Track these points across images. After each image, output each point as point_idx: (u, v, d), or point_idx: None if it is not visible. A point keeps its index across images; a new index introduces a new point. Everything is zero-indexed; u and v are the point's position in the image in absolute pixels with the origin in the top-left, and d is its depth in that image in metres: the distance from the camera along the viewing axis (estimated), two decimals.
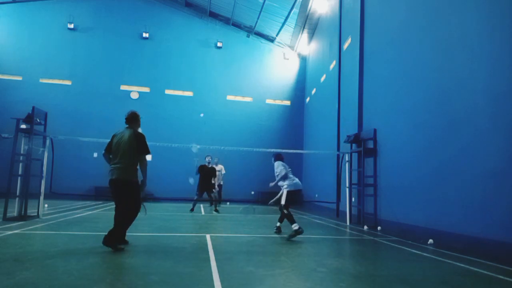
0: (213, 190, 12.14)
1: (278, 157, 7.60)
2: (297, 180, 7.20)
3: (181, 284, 3.29)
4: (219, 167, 14.11)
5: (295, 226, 6.42)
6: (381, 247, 5.98)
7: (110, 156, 5.08)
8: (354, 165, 10.38)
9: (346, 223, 9.37)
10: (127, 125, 5.17)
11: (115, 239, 4.71)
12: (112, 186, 4.88)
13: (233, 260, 4.40)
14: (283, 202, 6.89)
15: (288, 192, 6.99)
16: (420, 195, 7.45)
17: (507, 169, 5.23)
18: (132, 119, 5.18)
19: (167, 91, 19.10)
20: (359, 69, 10.91)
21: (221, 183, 14.62)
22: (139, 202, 4.94)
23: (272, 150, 13.24)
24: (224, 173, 14.70)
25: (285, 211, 6.74)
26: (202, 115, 18.04)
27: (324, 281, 3.54)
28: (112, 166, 4.94)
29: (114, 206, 4.99)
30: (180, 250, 4.98)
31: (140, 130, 5.26)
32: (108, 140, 5.31)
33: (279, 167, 7.25)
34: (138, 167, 5.00)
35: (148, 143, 5.20)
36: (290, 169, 7.37)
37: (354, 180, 10.24)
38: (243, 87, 19.77)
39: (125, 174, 4.84)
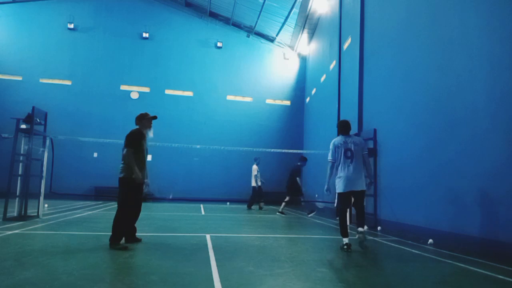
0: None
1: (339, 126, 5.57)
2: (349, 175, 5.26)
3: (181, 284, 3.29)
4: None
5: (344, 240, 5.27)
6: (381, 247, 5.97)
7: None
8: None
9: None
10: (138, 126, 5.46)
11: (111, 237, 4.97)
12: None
13: (233, 260, 4.39)
14: (336, 204, 5.50)
15: (338, 195, 5.50)
16: (420, 195, 7.45)
17: (507, 169, 5.23)
18: (136, 120, 5.46)
19: (167, 91, 19.10)
20: (359, 69, 10.91)
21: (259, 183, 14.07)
22: (120, 199, 5.13)
23: (272, 150, 13.30)
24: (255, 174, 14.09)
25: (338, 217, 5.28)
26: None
27: (324, 281, 3.54)
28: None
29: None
30: (180, 250, 4.98)
31: (147, 131, 5.46)
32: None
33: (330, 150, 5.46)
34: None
35: (148, 143, 5.43)
36: (351, 152, 5.29)
37: None
38: (243, 87, 19.77)
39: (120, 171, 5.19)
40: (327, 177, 5.31)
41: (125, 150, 5.09)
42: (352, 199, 5.47)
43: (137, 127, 5.39)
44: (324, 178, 5.55)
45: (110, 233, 4.95)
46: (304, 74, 20.38)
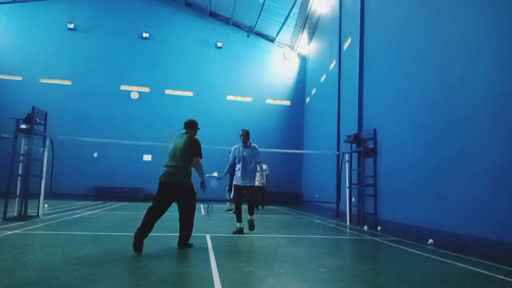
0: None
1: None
2: (241, 173, 6.91)
3: (181, 284, 3.29)
4: (264, 167, 12.81)
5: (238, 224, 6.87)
6: (381, 247, 5.97)
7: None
8: (354, 165, 10.38)
9: (346, 223, 9.37)
10: (184, 130, 5.41)
11: (187, 240, 5.10)
12: (165, 188, 4.98)
13: (233, 260, 4.39)
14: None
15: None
16: (420, 195, 7.45)
17: (507, 169, 5.23)
18: (191, 125, 5.46)
19: (167, 91, 19.11)
20: (359, 69, 10.91)
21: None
22: (193, 205, 5.23)
23: (272, 150, 13.28)
24: (267, 174, 13.45)
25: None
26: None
27: (324, 281, 3.54)
28: (166, 168, 5.08)
29: (157, 207, 4.93)
30: (180, 250, 4.98)
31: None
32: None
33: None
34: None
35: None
36: (245, 155, 6.96)
37: (354, 180, 10.24)
38: (243, 87, 19.77)
39: (180, 177, 5.03)
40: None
41: (197, 160, 5.18)
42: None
43: (184, 131, 5.39)
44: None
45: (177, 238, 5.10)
46: (304, 74, 20.38)
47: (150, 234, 6.24)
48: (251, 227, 6.87)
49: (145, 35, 18.90)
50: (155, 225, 4.84)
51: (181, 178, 5.02)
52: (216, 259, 4.33)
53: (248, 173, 6.90)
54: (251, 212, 7.01)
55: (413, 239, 6.62)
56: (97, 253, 4.49)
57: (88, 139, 11.10)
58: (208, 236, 6.24)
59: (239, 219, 6.89)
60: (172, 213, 5.25)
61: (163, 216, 5.01)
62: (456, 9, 6.75)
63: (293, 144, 18.87)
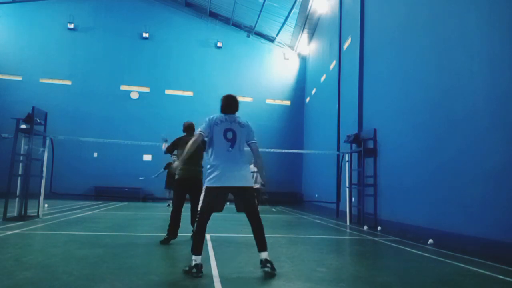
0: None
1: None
2: (226, 167, 3.76)
3: (181, 284, 3.29)
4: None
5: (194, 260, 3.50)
6: (381, 247, 5.97)
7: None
8: (354, 165, 10.38)
9: (346, 223, 9.37)
10: (185, 133, 6.09)
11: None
12: (183, 184, 5.61)
13: (233, 260, 4.39)
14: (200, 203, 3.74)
15: (206, 189, 3.74)
16: (420, 195, 7.45)
17: (507, 169, 5.23)
18: (192, 128, 6.19)
19: (167, 91, 19.11)
20: (359, 69, 10.91)
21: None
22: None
23: (272, 150, 13.29)
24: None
25: (193, 228, 3.80)
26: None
27: (324, 281, 3.54)
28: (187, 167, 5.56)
29: (177, 203, 5.66)
30: (180, 250, 4.98)
31: None
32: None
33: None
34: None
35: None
36: (232, 134, 4.03)
37: (354, 180, 10.24)
38: (243, 87, 19.76)
39: (196, 174, 5.73)
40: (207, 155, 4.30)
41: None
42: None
43: (185, 134, 6.07)
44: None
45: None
46: (304, 74, 20.37)
47: (151, 234, 6.25)
48: (272, 268, 3.66)
49: (145, 35, 18.90)
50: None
51: (197, 174, 5.70)
52: (216, 259, 4.33)
53: (234, 164, 3.89)
54: (261, 245, 3.82)
55: (413, 239, 6.62)
56: (97, 253, 4.49)
57: (88, 139, 11.10)
58: (208, 236, 6.24)
59: (196, 250, 3.53)
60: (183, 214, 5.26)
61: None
62: (456, 9, 6.75)
63: (293, 144, 18.86)
